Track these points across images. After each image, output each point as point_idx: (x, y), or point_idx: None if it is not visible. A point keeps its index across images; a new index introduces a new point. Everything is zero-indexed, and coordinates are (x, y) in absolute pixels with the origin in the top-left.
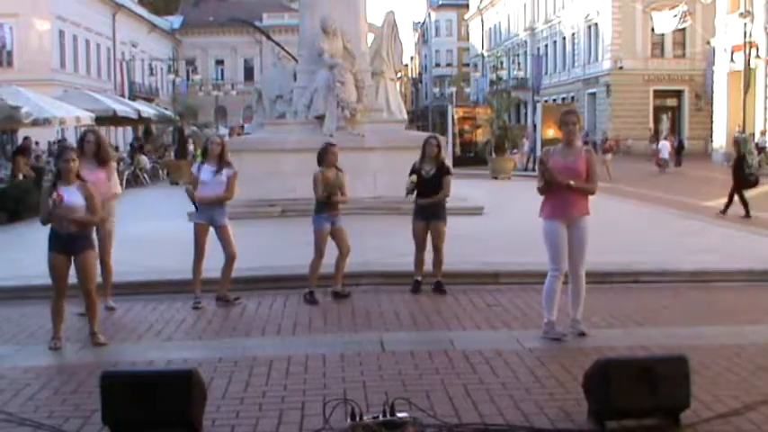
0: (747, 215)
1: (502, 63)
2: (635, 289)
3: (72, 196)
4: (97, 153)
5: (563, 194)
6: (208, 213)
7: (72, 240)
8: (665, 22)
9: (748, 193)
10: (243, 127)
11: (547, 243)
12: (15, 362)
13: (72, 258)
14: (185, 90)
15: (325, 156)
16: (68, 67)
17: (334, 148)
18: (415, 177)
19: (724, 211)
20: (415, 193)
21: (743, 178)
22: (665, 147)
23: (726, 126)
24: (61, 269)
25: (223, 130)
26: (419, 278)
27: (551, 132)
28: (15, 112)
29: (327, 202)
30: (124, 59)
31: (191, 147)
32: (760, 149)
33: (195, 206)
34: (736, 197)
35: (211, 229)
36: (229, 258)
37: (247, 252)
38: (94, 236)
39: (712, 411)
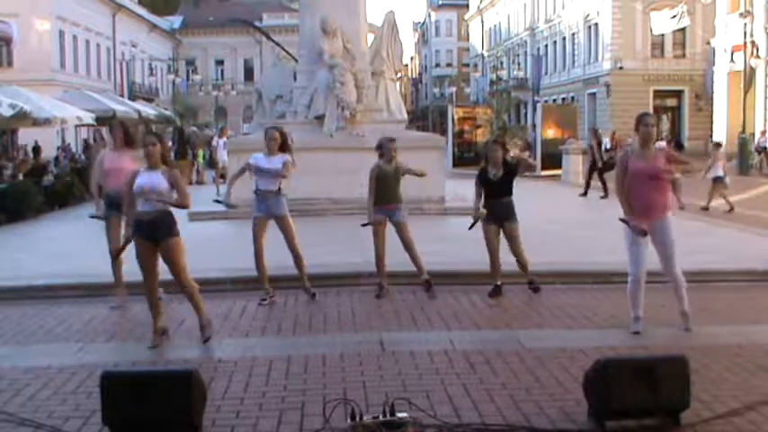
0: (585, 194)
1: (502, 63)
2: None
3: (154, 179)
4: (127, 142)
5: (644, 195)
6: (264, 205)
7: (155, 226)
8: (664, 23)
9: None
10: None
11: (626, 245)
12: (15, 362)
13: (158, 245)
14: (185, 90)
15: (383, 150)
16: (68, 67)
17: (391, 143)
18: (482, 213)
19: (605, 196)
20: (483, 196)
21: (597, 163)
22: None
23: (726, 126)
24: (145, 256)
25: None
26: (499, 282)
27: (551, 132)
28: (21, 113)
29: (381, 195)
30: (124, 59)
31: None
32: (760, 150)
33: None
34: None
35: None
36: (294, 257)
37: (248, 252)
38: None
39: (712, 411)
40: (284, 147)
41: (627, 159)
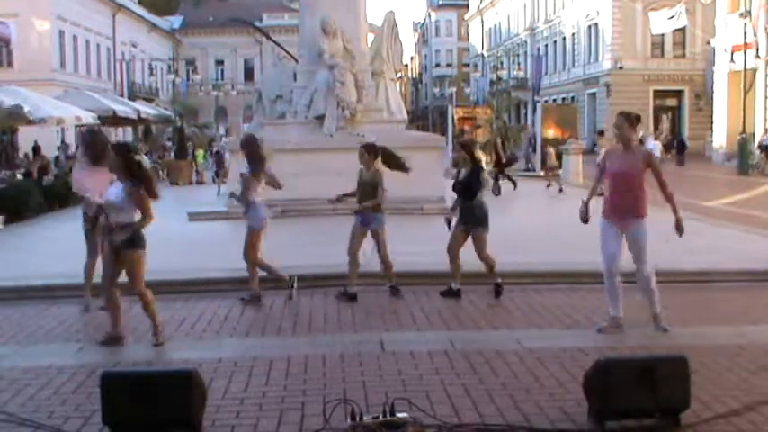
0: (514, 186)
1: (502, 63)
2: (635, 289)
3: (112, 195)
4: (96, 157)
5: (618, 195)
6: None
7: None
8: (662, 23)
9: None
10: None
11: (600, 242)
12: (15, 362)
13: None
14: (185, 90)
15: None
16: (68, 67)
17: (361, 148)
18: (450, 215)
19: (515, 188)
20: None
21: (502, 158)
22: (657, 147)
23: (726, 126)
24: (108, 261)
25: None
26: (454, 287)
27: (551, 132)
28: (18, 110)
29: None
30: (124, 59)
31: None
32: (762, 148)
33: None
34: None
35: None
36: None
37: None
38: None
39: (712, 411)
40: (254, 155)
41: (603, 161)
